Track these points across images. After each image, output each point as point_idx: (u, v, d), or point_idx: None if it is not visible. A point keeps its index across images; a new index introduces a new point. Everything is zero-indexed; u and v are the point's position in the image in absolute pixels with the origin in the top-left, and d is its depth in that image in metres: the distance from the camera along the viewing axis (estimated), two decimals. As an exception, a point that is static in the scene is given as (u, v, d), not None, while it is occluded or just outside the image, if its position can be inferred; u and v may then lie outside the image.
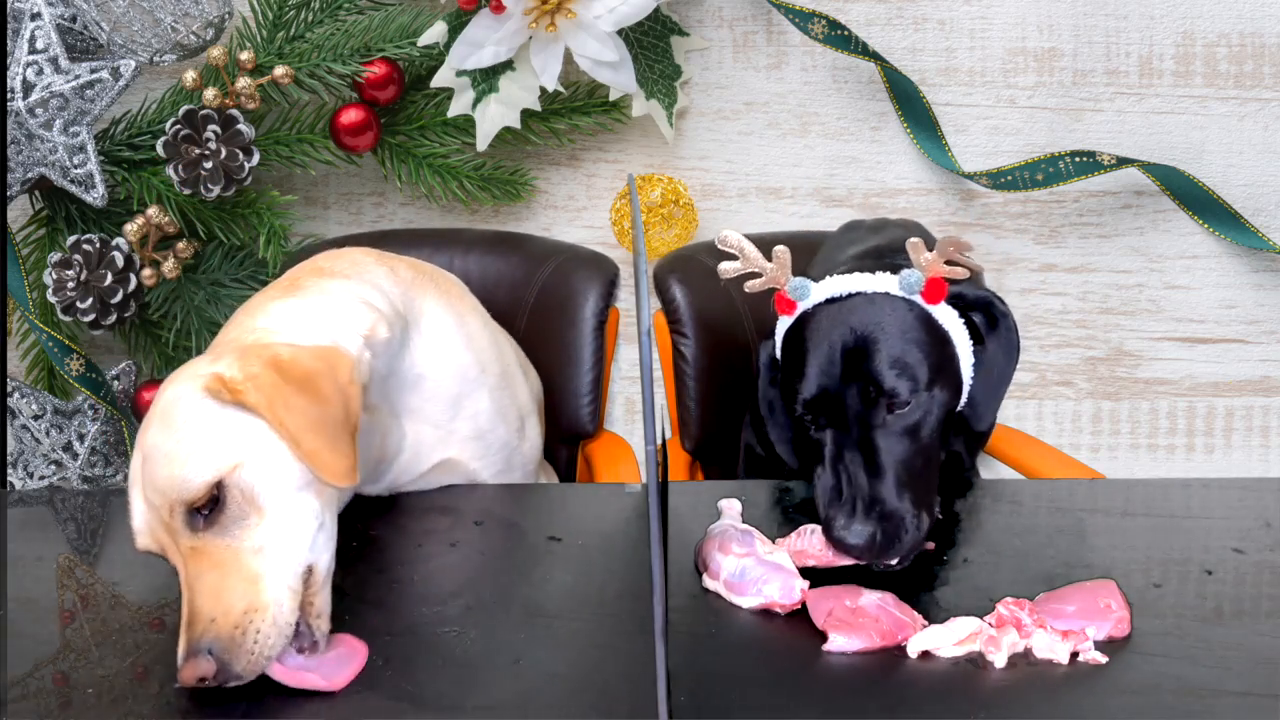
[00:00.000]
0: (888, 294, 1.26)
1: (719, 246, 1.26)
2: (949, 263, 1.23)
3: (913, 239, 1.24)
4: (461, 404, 1.39)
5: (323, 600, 1.05)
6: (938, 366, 1.23)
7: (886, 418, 1.20)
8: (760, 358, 1.38)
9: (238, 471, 1.05)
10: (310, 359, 1.13)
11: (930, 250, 1.24)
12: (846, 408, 1.21)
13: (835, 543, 1.14)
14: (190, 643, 0.97)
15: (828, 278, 1.29)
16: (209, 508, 1.03)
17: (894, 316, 1.24)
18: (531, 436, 1.52)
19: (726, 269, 1.28)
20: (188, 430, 1.07)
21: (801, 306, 1.29)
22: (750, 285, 1.30)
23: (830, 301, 1.27)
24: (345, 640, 1.03)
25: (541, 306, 1.82)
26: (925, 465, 1.20)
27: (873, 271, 1.29)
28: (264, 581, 1.01)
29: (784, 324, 1.31)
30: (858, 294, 1.26)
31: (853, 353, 1.22)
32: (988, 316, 1.30)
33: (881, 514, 1.14)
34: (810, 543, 1.17)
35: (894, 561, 1.14)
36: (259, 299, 1.30)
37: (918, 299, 1.25)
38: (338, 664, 1.00)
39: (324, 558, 1.07)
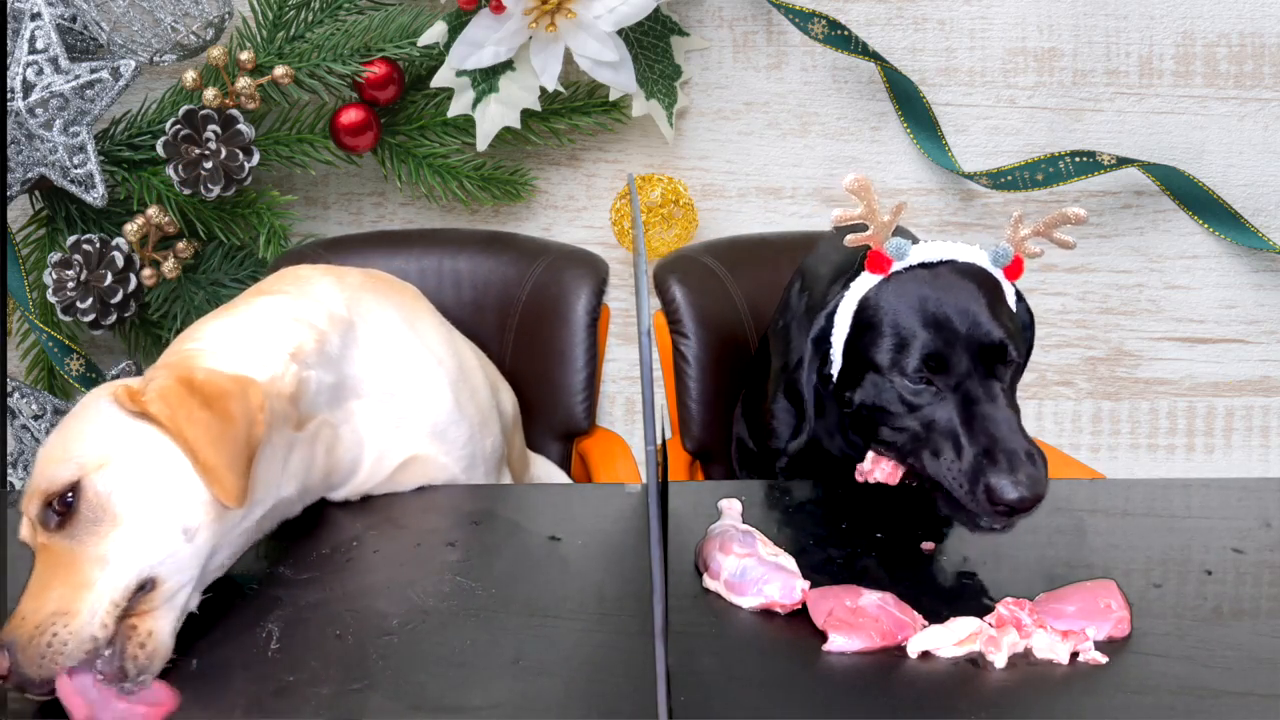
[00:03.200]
0: (977, 265, 1.29)
1: (845, 189, 1.24)
2: (1049, 235, 1.29)
3: (1015, 211, 1.30)
4: (417, 399, 1.39)
5: (157, 625, 1.00)
6: (1021, 334, 1.30)
7: (1006, 374, 1.23)
8: (811, 334, 1.34)
9: (100, 472, 1.04)
10: (223, 380, 1.13)
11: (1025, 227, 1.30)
12: (966, 364, 1.22)
13: (1002, 504, 1.13)
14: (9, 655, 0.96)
15: (921, 242, 1.31)
16: (62, 507, 1.03)
17: (989, 285, 1.27)
18: (494, 434, 1.51)
19: (842, 215, 1.25)
20: (75, 431, 1.08)
21: (896, 266, 1.29)
22: (852, 239, 1.28)
23: (920, 267, 1.28)
24: (154, 690, 0.96)
25: (533, 305, 1.83)
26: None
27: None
28: (89, 590, 0.99)
29: (862, 286, 1.30)
30: (949, 261, 1.29)
31: (968, 313, 1.23)
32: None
33: (1034, 462, 1.15)
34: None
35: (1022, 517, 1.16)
36: (198, 322, 1.31)
37: (999, 272, 1.30)
38: (122, 709, 0.94)
39: (177, 578, 1.04)
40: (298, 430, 1.24)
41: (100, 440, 1.07)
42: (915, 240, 1.33)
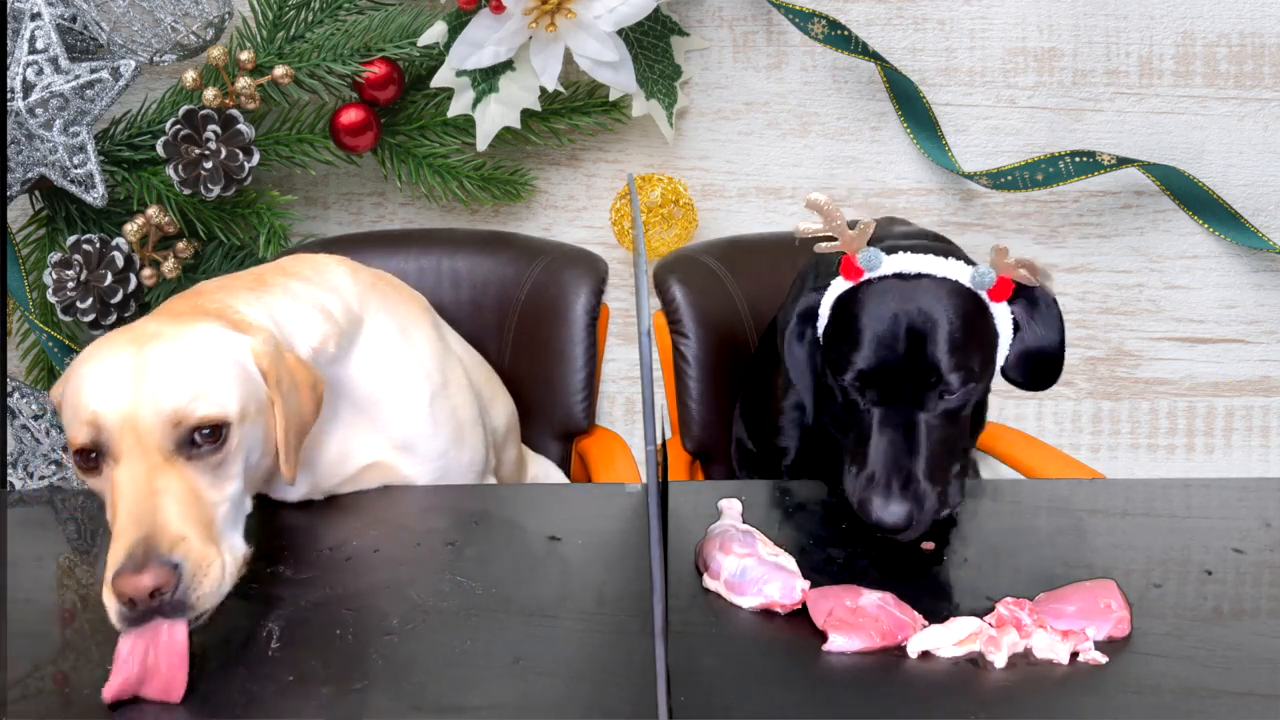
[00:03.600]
0: (955, 281, 1.27)
1: (806, 207, 1.26)
2: (1030, 271, 1.28)
3: (998, 244, 1.29)
4: (392, 409, 1.40)
5: (221, 563, 1.06)
6: (986, 361, 1.28)
7: (936, 402, 1.23)
8: (796, 305, 1.36)
9: (243, 425, 1.12)
10: (306, 371, 1.24)
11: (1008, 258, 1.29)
12: (897, 383, 1.23)
13: (873, 522, 1.19)
14: (150, 549, 0.97)
15: (899, 253, 1.30)
16: (203, 440, 1.08)
17: (959, 306, 1.26)
18: (473, 449, 1.50)
19: (804, 229, 1.27)
20: (220, 366, 1.13)
21: (868, 276, 1.29)
22: (822, 247, 1.29)
23: (896, 277, 1.28)
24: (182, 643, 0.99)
25: (532, 305, 1.83)
26: (952, 448, 1.25)
27: (943, 255, 1.30)
28: (219, 531, 1.06)
29: (838, 288, 1.31)
30: (925, 275, 1.28)
31: (916, 335, 1.23)
32: (1029, 300, 1.32)
33: (915, 493, 1.19)
34: None
35: (907, 532, 1.19)
36: (228, 283, 1.32)
37: (983, 294, 1.29)
38: (165, 666, 0.96)
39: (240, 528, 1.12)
40: None
41: (244, 394, 1.14)
42: (906, 245, 1.32)
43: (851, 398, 1.26)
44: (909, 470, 1.20)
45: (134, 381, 1.08)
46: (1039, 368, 1.33)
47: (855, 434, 1.26)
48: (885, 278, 1.28)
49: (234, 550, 1.07)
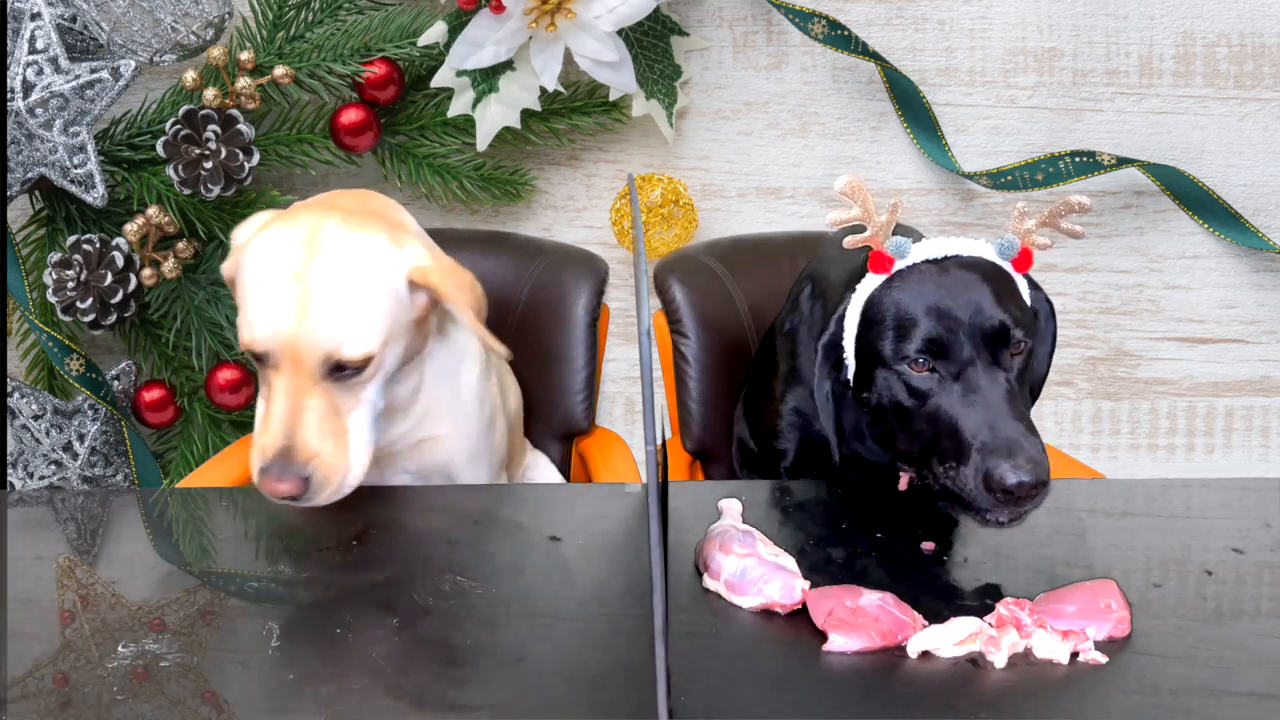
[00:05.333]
0: (983, 258, 1.29)
1: (838, 192, 1.24)
2: (1055, 225, 1.28)
3: (1019, 203, 1.29)
4: (457, 378, 1.48)
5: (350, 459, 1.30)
6: (1031, 323, 1.28)
7: (1010, 361, 1.22)
8: (822, 338, 1.35)
9: (388, 348, 1.30)
10: (462, 272, 1.37)
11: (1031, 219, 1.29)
12: (969, 349, 1.21)
13: (1001, 490, 1.13)
14: (289, 461, 1.23)
15: (925, 239, 1.31)
16: (353, 369, 1.27)
17: (997, 274, 1.27)
18: (501, 430, 1.58)
19: (836, 218, 1.26)
20: (375, 298, 1.29)
21: (898, 265, 1.29)
22: (851, 240, 1.28)
23: (926, 263, 1.28)
24: None
25: (533, 305, 1.83)
26: (1028, 413, 1.23)
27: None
28: (350, 439, 1.27)
29: (867, 286, 1.30)
30: (953, 256, 1.28)
31: (971, 300, 1.23)
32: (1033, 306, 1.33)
33: (1033, 451, 1.14)
34: None
35: (1027, 508, 1.15)
36: (345, 200, 1.41)
37: (1008, 265, 1.29)
38: None
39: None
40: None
41: (391, 322, 1.30)
42: (920, 237, 1.33)
43: (916, 382, 1.23)
44: (1020, 430, 1.16)
45: (297, 313, 1.25)
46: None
47: (933, 420, 1.21)
48: (915, 265, 1.28)
49: (360, 453, 1.28)
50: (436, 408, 1.47)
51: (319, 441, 1.24)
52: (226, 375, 2.16)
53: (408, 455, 1.48)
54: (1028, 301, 1.31)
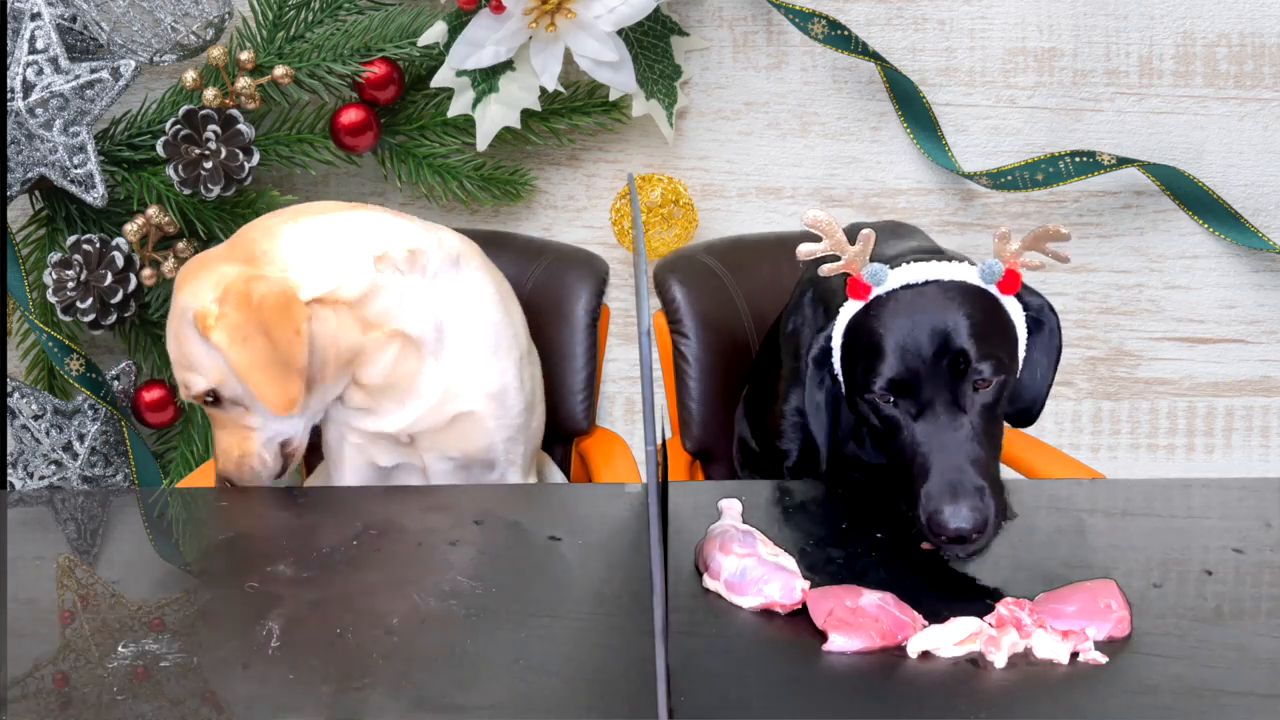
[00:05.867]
0: (964, 282, 1.27)
1: (805, 225, 1.24)
2: (1038, 249, 1.26)
3: (1001, 229, 1.27)
4: (493, 359, 1.54)
5: (299, 453, 1.50)
6: (1010, 353, 1.27)
7: (973, 397, 1.21)
8: (810, 351, 1.34)
9: (223, 385, 1.43)
10: (273, 306, 1.38)
11: (1014, 242, 1.27)
12: (930, 387, 1.20)
13: (944, 532, 1.14)
14: (218, 471, 1.48)
15: (904, 265, 1.29)
16: (212, 397, 1.44)
17: (974, 301, 1.25)
18: (539, 416, 1.65)
19: (806, 250, 1.26)
20: (191, 341, 1.43)
21: (876, 291, 1.27)
22: (826, 269, 1.27)
23: (905, 289, 1.26)
24: None
25: (533, 305, 1.83)
26: (996, 449, 1.23)
27: (945, 260, 1.29)
28: (252, 442, 1.45)
29: (850, 310, 1.29)
30: (934, 281, 1.26)
31: (939, 333, 1.22)
32: (1034, 321, 1.31)
33: (978, 497, 1.14)
34: None
35: (979, 540, 1.15)
36: (282, 218, 1.49)
37: (993, 289, 1.27)
38: None
39: (299, 434, 1.48)
40: (363, 333, 1.44)
41: (208, 362, 1.42)
42: (907, 260, 1.32)
43: (886, 414, 1.23)
44: (966, 475, 1.16)
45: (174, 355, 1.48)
46: (1021, 399, 1.33)
47: (899, 452, 1.22)
48: (893, 291, 1.26)
49: (269, 454, 1.46)
50: (459, 353, 1.52)
51: (220, 445, 1.49)
52: (151, 395, 2.21)
53: (444, 436, 1.52)
54: (1020, 324, 1.29)
